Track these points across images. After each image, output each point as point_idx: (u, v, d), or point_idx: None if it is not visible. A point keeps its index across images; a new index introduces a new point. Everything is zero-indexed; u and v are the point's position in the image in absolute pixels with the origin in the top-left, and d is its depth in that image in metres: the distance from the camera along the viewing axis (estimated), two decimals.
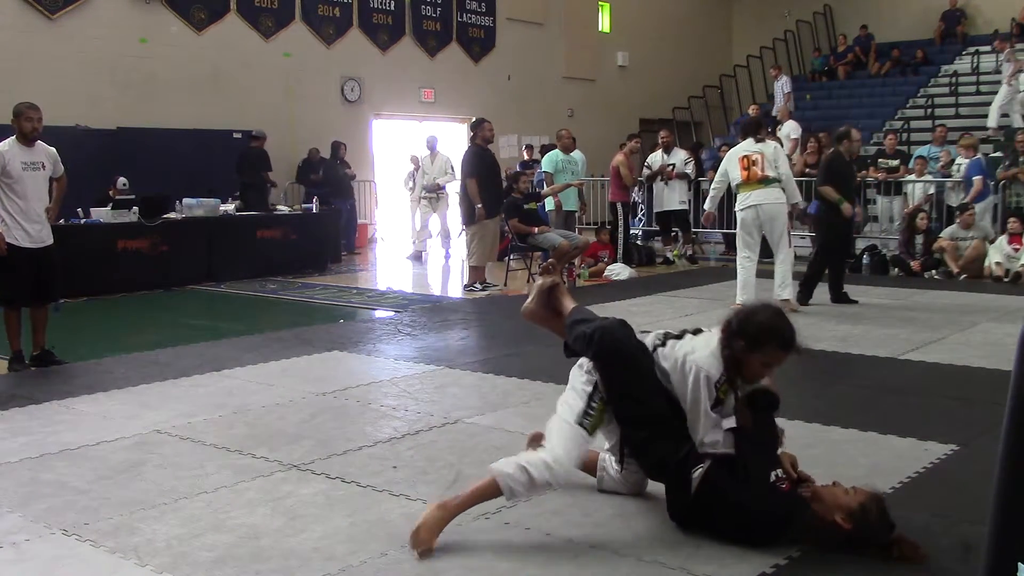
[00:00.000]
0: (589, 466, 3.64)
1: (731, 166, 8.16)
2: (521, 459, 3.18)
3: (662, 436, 3.26)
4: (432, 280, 11.96)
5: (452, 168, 13.54)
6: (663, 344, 3.35)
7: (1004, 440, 1.91)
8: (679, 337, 3.35)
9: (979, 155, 11.54)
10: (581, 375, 3.39)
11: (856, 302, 8.45)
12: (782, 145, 8.78)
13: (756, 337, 3.14)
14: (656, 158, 12.87)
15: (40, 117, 6.21)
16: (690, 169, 12.82)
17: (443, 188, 13.34)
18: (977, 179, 11.17)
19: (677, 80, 20.26)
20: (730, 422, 3.19)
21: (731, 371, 3.19)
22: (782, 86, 17.87)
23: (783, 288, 8.04)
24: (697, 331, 3.37)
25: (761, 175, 7.91)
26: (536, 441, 3.56)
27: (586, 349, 3.35)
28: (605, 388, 3.29)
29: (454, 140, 15.21)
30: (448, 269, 12.67)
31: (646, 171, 12.98)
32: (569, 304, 3.63)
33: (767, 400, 3.28)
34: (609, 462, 3.61)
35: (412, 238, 13.88)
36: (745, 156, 8.00)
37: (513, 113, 16.98)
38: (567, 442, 3.21)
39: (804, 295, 8.38)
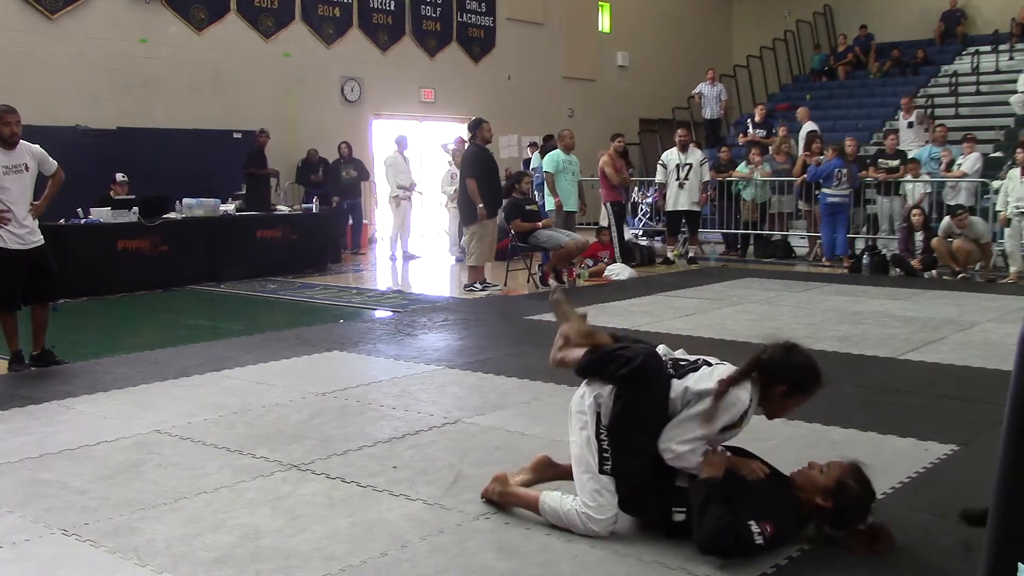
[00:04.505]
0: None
1: None
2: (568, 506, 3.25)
3: (646, 469, 3.19)
4: (432, 280, 11.96)
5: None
6: (676, 375, 3.21)
7: (1004, 440, 1.91)
8: (694, 368, 3.22)
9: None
10: (580, 410, 3.25)
11: None
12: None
13: (800, 383, 3.14)
14: (672, 156, 12.60)
15: (18, 120, 6.14)
16: (706, 174, 12.55)
17: (415, 187, 13.44)
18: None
19: (677, 80, 20.23)
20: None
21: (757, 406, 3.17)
22: (719, 93, 18.09)
23: None
24: (706, 362, 3.25)
25: None
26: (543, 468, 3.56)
27: (621, 368, 3.16)
28: (618, 411, 3.14)
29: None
30: (407, 268, 12.64)
31: (660, 169, 12.78)
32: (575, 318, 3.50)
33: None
34: None
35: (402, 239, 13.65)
36: None
37: (513, 113, 16.97)
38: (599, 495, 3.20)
39: None
